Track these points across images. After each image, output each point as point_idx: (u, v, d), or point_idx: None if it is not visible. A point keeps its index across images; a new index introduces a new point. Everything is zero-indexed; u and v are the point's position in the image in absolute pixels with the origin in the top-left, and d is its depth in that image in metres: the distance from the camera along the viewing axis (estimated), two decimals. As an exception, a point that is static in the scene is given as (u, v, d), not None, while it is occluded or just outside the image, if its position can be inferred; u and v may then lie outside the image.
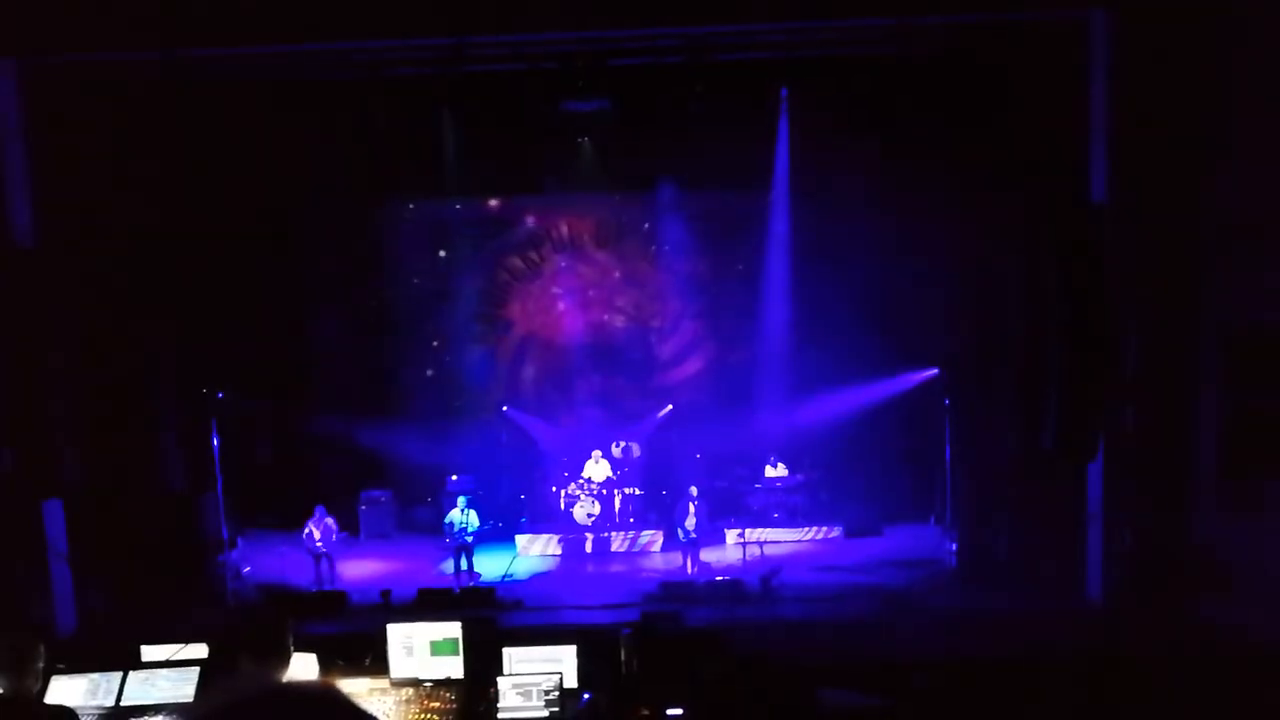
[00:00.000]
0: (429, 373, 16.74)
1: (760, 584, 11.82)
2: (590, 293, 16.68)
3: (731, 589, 11.85)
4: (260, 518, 14.19)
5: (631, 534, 14.68)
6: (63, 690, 5.75)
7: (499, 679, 5.79)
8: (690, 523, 12.88)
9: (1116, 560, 10.70)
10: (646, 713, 5.56)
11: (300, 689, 1.29)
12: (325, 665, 5.92)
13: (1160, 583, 10.04)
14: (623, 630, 6.59)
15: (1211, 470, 10.11)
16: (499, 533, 14.57)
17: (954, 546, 12.71)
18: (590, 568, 13.78)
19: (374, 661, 6.14)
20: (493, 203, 16.42)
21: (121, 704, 5.81)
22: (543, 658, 6.01)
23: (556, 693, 5.75)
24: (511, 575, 13.14)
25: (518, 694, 5.74)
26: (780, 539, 14.32)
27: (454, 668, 6.07)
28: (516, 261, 16.80)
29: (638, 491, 15.39)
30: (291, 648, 4.74)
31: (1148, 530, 10.41)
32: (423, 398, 16.38)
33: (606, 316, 16.76)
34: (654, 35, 11.48)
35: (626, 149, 14.44)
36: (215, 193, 13.02)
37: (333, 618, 10.91)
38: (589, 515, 14.90)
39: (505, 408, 16.47)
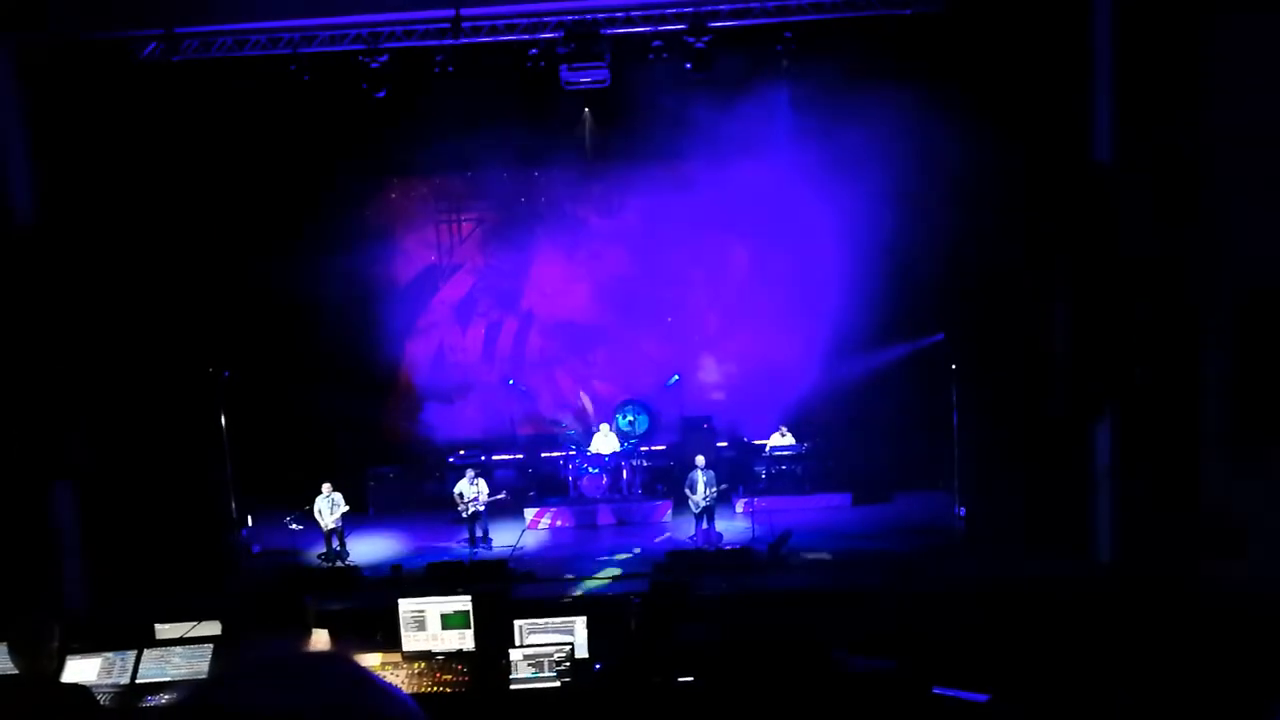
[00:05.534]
0: (436, 348, 16.76)
1: (769, 552, 11.85)
2: (594, 265, 16.60)
3: (740, 558, 11.89)
4: (270, 495, 14.23)
5: (639, 505, 14.70)
6: (78, 669, 5.80)
7: (510, 651, 5.83)
8: (698, 493, 12.90)
9: (1127, 522, 10.69)
10: (657, 681, 5.58)
11: (309, 654, 1.26)
12: (337, 640, 5.95)
13: (1171, 544, 10.03)
14: (632, 600, 6.62)
15: (1222, 431, 10.07)
16: (508, 506, 14.61)
17: (963, 512, 12.73)
18: (599, 539, 13.82)
19: (386, 636, 6.18)
20: (493, 176, 16.30)
21: (137, 682, 5.87)
22: (554, 629, 6.05)
23: (568, 663, 5.78)
24: (521, 548, 13.19)
25: (529, 665, 5.77)
26: (788, 507, 14.32)
27: (465, 640, 6.10)
28: (520, 235, 16.73)
29: (645, 463, 15.41)
30: (311, 620, 4.76)
31: (1157, 492, 10.40)
32: (430, 373, 16.40)
33: (610, 288, 16.68)
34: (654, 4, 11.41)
35: (627, 119, 14.32)
36: (218, 170, 12.98)
37: (344, 593, 10.98)
38: (597, 487, 14.92)
39: (511, 380, 16.45)
